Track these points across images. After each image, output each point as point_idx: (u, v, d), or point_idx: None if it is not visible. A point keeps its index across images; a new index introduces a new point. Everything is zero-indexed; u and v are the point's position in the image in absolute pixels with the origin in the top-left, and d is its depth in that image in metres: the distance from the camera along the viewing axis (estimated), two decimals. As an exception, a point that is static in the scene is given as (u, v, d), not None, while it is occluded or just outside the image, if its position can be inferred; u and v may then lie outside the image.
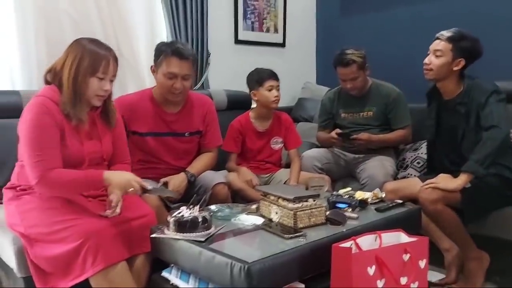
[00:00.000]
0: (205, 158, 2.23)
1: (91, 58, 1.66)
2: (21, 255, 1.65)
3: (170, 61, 2.00)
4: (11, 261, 1.71)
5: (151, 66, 2.10)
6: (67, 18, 2.49)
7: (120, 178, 1.66)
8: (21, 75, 2.36)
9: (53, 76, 1.71)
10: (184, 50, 2.03)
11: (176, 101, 2.11)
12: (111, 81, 1.75)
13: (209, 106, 2.29)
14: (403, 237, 1.53)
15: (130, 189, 1.67)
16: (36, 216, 1.64)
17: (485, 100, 2.00)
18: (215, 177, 2.16)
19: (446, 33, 2.08)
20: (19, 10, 2.33)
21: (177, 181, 2.07)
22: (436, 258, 2.04)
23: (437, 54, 2.07)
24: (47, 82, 1.73)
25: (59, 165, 1.62)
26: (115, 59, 1.74)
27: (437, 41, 2.10)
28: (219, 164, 2.40)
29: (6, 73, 2.34)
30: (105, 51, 1.71)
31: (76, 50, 1.68)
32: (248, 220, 1.73)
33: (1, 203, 1.83)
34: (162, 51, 2.03)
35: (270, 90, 2.47)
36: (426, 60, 2.11)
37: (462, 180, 1.93)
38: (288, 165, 2.56)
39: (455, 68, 2.07)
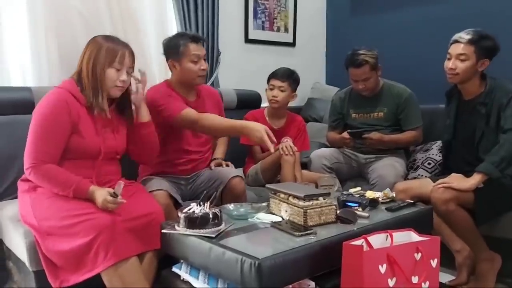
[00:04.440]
0: (224, 141, 2.45)
1: (107, 50, 1.76)
2: (32, 249, 1.66)
3: (191, 47, 2.12)
4: (23, 255, 1.72)
5: (170, 62, 2.16)
6: (77, 15, 2.50)
7: (99, 197, 1.64)
8: (32, 72, 2.37)
9: (75, 74, 1.81)
10: (198, 35, 2.27)
11: (201, 83, 2.25)
12: (128, 73, 1.82)
13: (218, 95, 2.48)
14: (414, 236, 1.51)
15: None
16: (49, 209, 1.66)
17: (507, 101, 1.98)
18: (232, 171, 2.18)
19: (465, 36, 2.05)
20: (31, 8, 2.34)
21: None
22: (447, 259, 2.02)
23: (461, 58, 2.04)
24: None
25: (55, 160, 1.69)
26: (131, 53, 1.84)
27: (457, 44, 2.06)
28: (236, 162, 2.42)
29: (18, 70, 2.36)
30: (121, 45, 1.81)
31: (93, 46, 1.78)
32: (267, 218, 1.72)
33: (16, 197, 1.86)
34: (179, 43, 2.13)
35: (271, 89, 2.49)
36: (451, 65, 2.07)
37: (475, 180, 1.91)
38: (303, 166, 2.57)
39: (480, 69, 2.06)
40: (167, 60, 2.20)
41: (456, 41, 2.07)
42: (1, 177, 2.06)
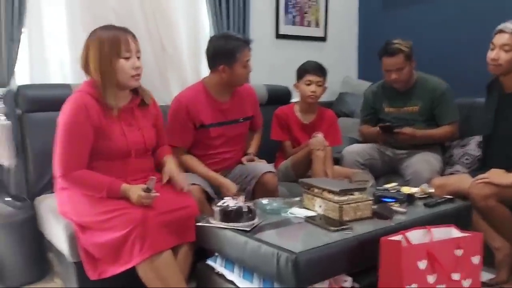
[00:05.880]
0: (258, 137, 2.50)
1: (109, 42, 1.68)
2: (73, 241, 1.71)
3: (246, 52, 2.14)
4: (63, 247, 1.77)
5: (221, 67, 2.11)
6: (113, 14, 2.55)
7: (134, 194, 1.66)
8: (71, 69, 2.44)
9: (85, 72, 1.77)
10: (248, 38, 2.31)
11: (246, 83, 2.34)
12: (138, 57, 1.75)
13: (255, 94, 2.46)
14: (454, 233, 1.48)
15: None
16: (86, 206, 1.70)
17: None
18: (265, 167, 2.18)
19: (511, 26, 1.97)
20: (69, 8, 2.42)
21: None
22: (486, 257, 1.95)
23: (506, 48, 1.98)
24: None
25: (84, 165, 1.70)
26: (134, 36, 1.75)
27: (502, 34, 2.00)
28: (267, 158, 2.42)
29: (57, 68, 2.44)
30: (121, 31, 1.72)
31: (93, 41, 1.71)
32: (301, 213, 1.71)
33: (53, 192, 1.91)
34: (235, 48, 2.09)
35: (308, 85, 2.47)
36: (494, 56, 2.01)
37: (517, 175, 1.85)
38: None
39: None
40: (217, 64, 2.12)
41: (501, 31, 2.00)
42: (41, 172, 2.14)
